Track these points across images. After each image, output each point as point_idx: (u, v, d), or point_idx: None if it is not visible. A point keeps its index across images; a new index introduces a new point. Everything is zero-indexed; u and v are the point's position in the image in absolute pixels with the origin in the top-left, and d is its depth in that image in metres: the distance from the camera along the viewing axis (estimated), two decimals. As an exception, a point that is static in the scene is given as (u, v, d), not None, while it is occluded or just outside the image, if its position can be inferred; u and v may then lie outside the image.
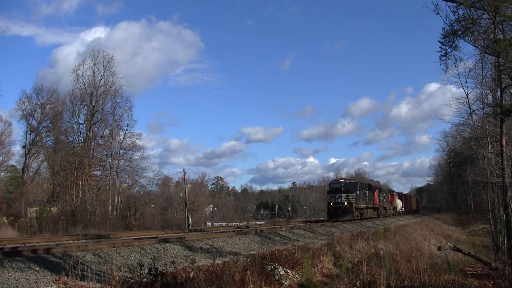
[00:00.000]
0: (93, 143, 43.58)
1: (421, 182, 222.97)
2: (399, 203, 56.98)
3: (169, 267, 9.44)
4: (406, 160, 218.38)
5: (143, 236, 16.87)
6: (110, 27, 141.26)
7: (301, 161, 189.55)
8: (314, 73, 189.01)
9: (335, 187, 33.79)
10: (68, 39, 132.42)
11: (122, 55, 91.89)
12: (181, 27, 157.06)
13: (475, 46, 13.04)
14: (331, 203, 32.72)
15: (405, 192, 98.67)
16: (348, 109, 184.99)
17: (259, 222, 45.92)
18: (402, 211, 59.73)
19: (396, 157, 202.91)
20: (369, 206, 37.88)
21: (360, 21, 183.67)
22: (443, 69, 12.48)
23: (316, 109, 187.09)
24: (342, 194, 32.42)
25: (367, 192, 37.88)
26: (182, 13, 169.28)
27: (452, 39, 12.21)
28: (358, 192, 33.98)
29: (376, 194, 41.67)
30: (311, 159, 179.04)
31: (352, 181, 35.40)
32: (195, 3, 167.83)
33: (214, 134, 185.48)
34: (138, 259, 10.59)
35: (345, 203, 31.90)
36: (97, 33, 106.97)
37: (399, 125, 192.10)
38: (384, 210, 45.83)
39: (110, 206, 39.72)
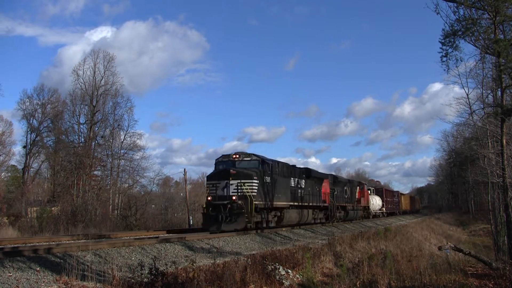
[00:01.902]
0: (93, 143, 43.57)
1: (422, 182, 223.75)
2: (376, 202, 44.65)
3: (170, 267, 9.46)
4: (407, 160, 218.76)
5: (143, 236, 16.89)
6: (116, 26, 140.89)
7: (303, 161, 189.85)
8: (319, 72, 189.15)
9: (221, 169, 19.62)
10: (74, 39, 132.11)
11: (128, 55, 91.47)
12: (187, 27, 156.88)
13: (475, 46, 13.08)
14: (209, 197, 18.86)
15: (406, 191, 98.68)
16: (351, 108, 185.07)
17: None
18: (383, 213, 47.66)
19: (398, 157, 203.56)
20: (302, 203, 23.84)
21: (365, 21, 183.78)
22: (444, 70, 12.55)
23: (319, 109, 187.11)
24: (232, 182, 18.54)
25: (298, 181, 23.91)
26: (188, 13, 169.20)
27: (452, 39, 12.24)
28: (267, 179, 19.96)
29: (325, 185, 28.38)
30: (313, 159, 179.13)
31: (255, 157, 19.87)
32: (201, 3, 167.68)
33: (217, 134, 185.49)
34: (139, 259, 10.60)
35: (234, 198, 18.21)
36: (103, 32, 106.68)
37: (401, 125, 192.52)
38: (342, 211, 31.89)
39: (110, 206, 39.71)
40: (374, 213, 44.03)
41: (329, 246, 16.91)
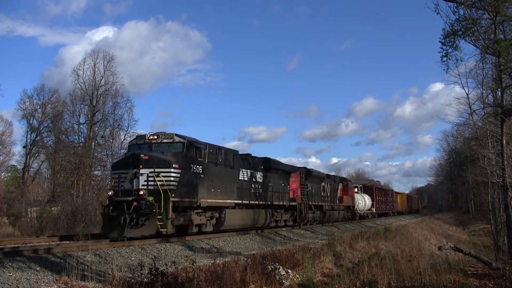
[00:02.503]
0: (93, 143, 43.60)
1: (422, 182, 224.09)
2: (363, 201, 40.04)
3: (170, 267, 9.47)
4: (408, 160, 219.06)
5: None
6: (118, 26, 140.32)
7: (303, 161, 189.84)
8: (319, 72, 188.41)
9: (131, 155, 14.62)
10: (75, 39, 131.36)
11: (130, 55, 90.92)
12: (188, 27, 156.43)
13: (475, 46, 13.06)
14: (110, 192, 14.27)
15: (406, 191, 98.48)
16: (352, 108, 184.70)
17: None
18: (372, 213, 43.07)
19: (398, 157, 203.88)
20: (257, 202, 19.76)
21: (366, 21, 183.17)
22: (444, 70, 12.55)
23: (320, 109, 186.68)
24: (142, 171, 13.75)
25: (253, 173, 19.73)
26: (190, 13, 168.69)
27: (452, 39, 12.24)
28: (197, 168, 15.38)
29: (294, 181, 24.21)
30: (313, 159, 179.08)
31: (178, 139, 15.16)
32: (203, 3, 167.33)
33: (217, 134, 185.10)
34: (139, 259, 10.61)
35: (142, 193, 13.48)
36: (105, 32, 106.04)
37: (402, 125, 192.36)
38: (317, 211, 27.58)
39: (110, 206, 39.77)
40: (361, 214, 39.18)
41: (329, 246, 16.92)
